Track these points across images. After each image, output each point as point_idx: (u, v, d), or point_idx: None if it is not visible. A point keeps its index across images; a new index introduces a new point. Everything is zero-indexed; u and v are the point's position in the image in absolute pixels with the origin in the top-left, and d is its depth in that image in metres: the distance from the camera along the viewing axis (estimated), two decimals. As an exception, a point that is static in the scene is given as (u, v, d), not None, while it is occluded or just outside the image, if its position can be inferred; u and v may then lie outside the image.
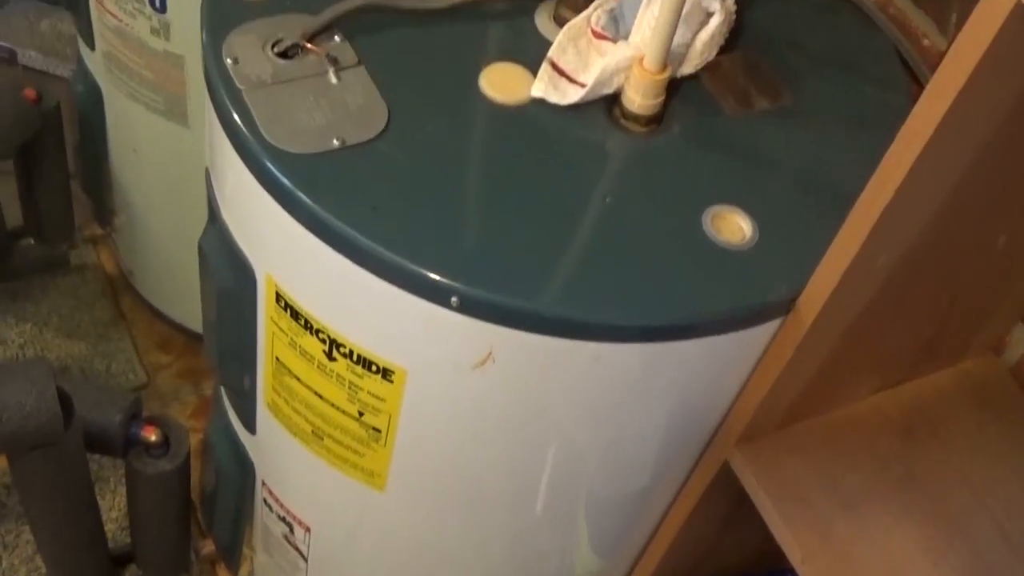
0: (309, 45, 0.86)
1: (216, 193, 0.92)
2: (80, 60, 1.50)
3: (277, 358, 0.90)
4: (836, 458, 0.90)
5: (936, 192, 0.72)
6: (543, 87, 0.87)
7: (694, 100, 0.90)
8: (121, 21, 1.29)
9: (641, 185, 0.84)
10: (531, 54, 0.89)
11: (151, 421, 1.11)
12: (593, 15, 0.90)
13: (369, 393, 0.84)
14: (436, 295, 0.74)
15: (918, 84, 0.99)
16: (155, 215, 1.55)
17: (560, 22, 0.92)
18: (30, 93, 1.47)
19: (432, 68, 0.88)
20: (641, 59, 0.84)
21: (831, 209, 0.79)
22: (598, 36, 0.88)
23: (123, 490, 1.40)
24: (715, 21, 0.89)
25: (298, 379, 0.89)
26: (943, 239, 0.78)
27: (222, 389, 1.12)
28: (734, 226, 0.81)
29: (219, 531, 1.26)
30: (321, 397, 0.88)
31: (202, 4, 0.90)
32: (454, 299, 0.73)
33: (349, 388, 0.85)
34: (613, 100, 0.87)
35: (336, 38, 0.87)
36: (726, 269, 0.78)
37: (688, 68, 0.91)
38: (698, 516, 0.98)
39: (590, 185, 0.83)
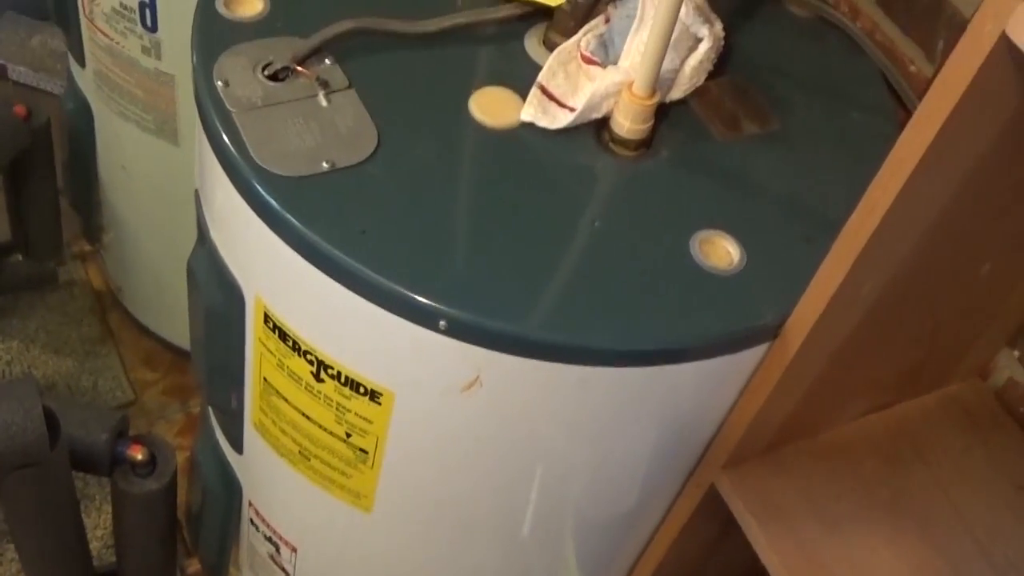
0: (299, 68, 0.86)
1: (205, 213, 0.93)
2: (70, 77, 1.50)
3: (265, 378, 0.90)
4: (822, 481, 0.90)
5: (922, 219, 0.72)
6: (532, 111, 0.87)
7: (683, 125, 0.91)
8: (112, 40, 1.30)
9: (629, 209, 0.84)
10: (521, 78, 0.89)
11: (138, 440, 1.11)
12: (583, 40, 0.90)
13: (356, 415, 0.84)
14: (424, 318, 0.74)
15: (905, 110, 1.00)
16: (144, 232, 1.55)
17: (550, 46, 0.92)
18: (20, 109, 1.46)
19: (422, 91, 0.89)
20: (630, 84, 0.85)
21: (818, 234, 0.80)
22: (587, 61, 0.89)
23: (109, 508, 1.39)
24: (704, 47, 0.90)
25: (285, 400, 0.89)
26: (929, 266, 0.79)
27: (209, 408, 1.12)
28: (722, 251, 0.82)
29: (205, 550, 1.26)
30: (308, 418, 0.88)
31: (193, 25, 0.90)
32: (442, 322, 0.74)
33: (336, 409, 0.85)
34: (602, 124, 0.88)
35: (326, 61, 0.88)
36: (713, 294, 0.79)
37: (677, 93, 0.91)
38: (685, 538, 0.99)
39: (579, 209, 0.83)
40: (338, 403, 0.84)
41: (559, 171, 0.85)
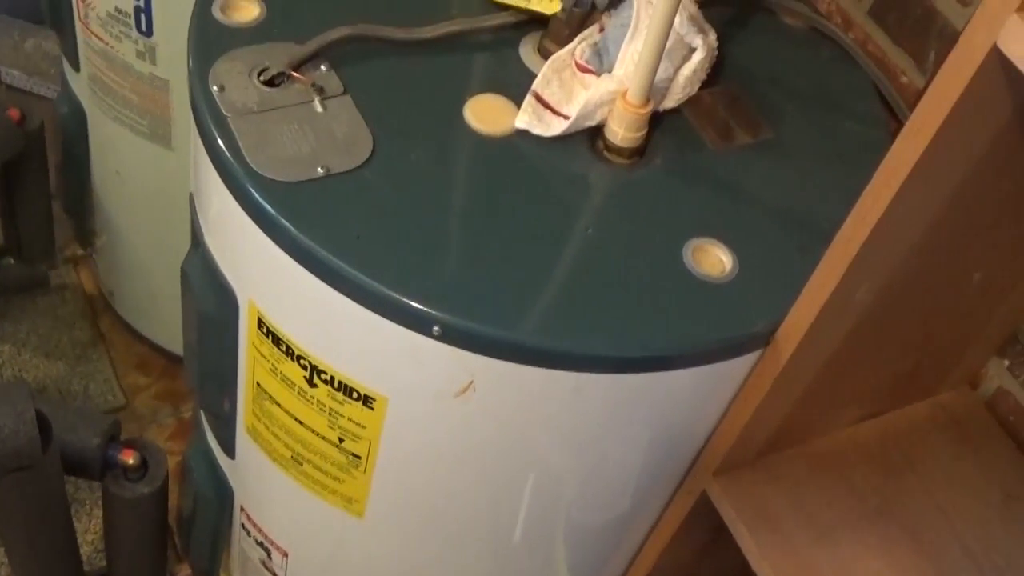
0: (295, 74, 0.87)
1: (200, 218, 0.93)
2: (65, 81, 1.50)
3: (258, 383, 0.91)
4: (813, 489, 0.91)
5: (914, 229, 0.73)
6: (527, 119, 0.88)
7: (676, 134, 0.91)
8: (107, 44, 1.30)
9: (623, 217, 0.85)
10: (515, 86, 0.90)
11: (129, 444, 1.11)
12: (577, 48, 0.91)
13: (350, 420, 0.84)
14: (418, 324, 0.74)
15: (896, 120, 1.01)
16: (137, 237, 1.55)
17: (545, 55, 0.93)
18: (14, 113, 1.46)
19: (417, 98, 0.89)
20: (624, 93, 0.85)
21: (810, 243, 0.81)
22: (582, 69, 0.89)
23: (99, 512, 1.39)
24: (697, 56, 0.91)
25: (278, 404, 0.89)
26: (920, 275, 0.79)
27: (201, 412, 1.12)
28: (714, 259, 0.82)
29: (196, 555, 1.26)
30: (301, 423, 0.88)
31: (189, 30, 0.91)
32: (436, 328, 0.74)
33: (330, 415, 0.85)
34: (596, 132, 0.88)
35: (322, 67, 0.88)
36: (706, 301, 0.79)
37: (670, 102, 0.92)
38: (676, 545, 0.99)
39: (572, 216, 0.83)
40: (331, 408, 0.85)
41: (553, 178, 0.86)
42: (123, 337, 1.70)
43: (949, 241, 0.78)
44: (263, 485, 1.02)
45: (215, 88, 0.84)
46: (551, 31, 0.94)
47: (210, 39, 0.89)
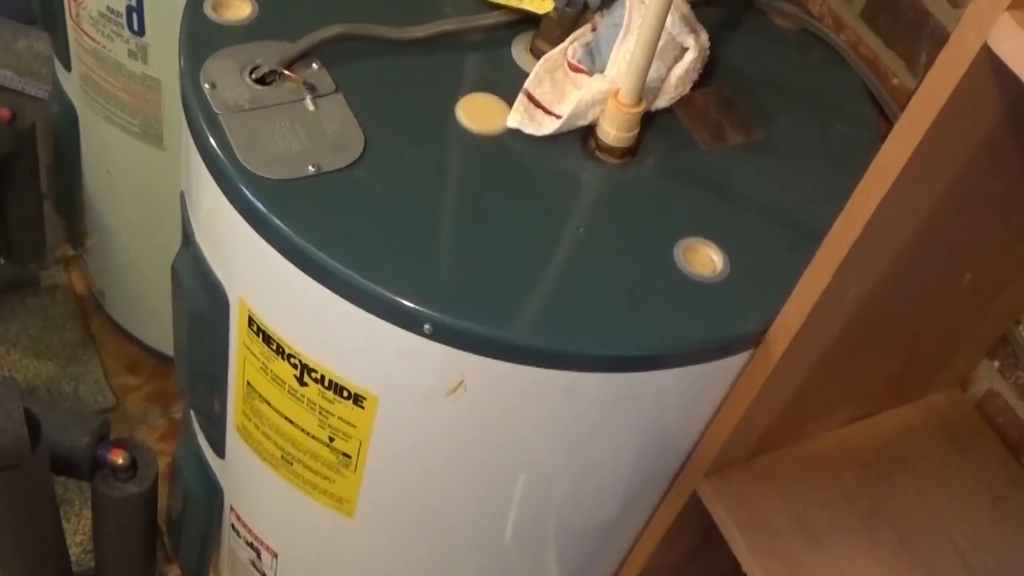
0: (287, 72, 0.86)
1: (191, 216, 0.92)
2: (56, 81, 1.49)
3: (248, 382, 0.90)
4: (804, 490, 0.91)
5: (904, 229, 0.73)
6: (519, 118, 0.88)
7: (668, 134, 0.91)
8: (99, 43, 1.29)
9: (614, 216, 0.85)
10: (507, 85, 0.90)
11: (119, 444, 1.10)
12: (569, 48, 0.91)
13: (340, 419, 0.84)
14: (409, 322, 0.74)
15: (887, 122, 1.01)
16: (128, 237, 1.55)
17: (537, 54, 0.93)
18: (4, 113, 1.46)
19: (409, 97, 0.89)
20: (616, 92, 0.85)
21: (801, 243, 0.81)
22: (574, 69, 0.89)
23: (88, 513, 1.39)
24: (689, 56, 0.91)
25: (268, 404, 0.89)
26: (910, 275, 0.79)
27: (192, 412, 1.11)
28: (705, 258, 0.82)
29: (185, 556, 1.25)
30: (291, 422, 0.88)
31: (181, 29, 0.90)
32: (427, 326, 0.74)
33: (320, 413, 0.85)
34: (588, 132, 0.88)
35: (314, 65, 0.88)
36: (697, 301, 0.79)
37: (662, 102, 0.92)
38: (667, 546, 0.99)
39: (564, 215, 0.83)
40: (321, 407, 0.84)
41: (545, 178, 0.86)
42: (114, 338, 1.70)
43: (940, 241, 0.78)
44: (253, 485, 1.02)
45: (206, 86, 0.84)
46: (543, 31, 0.94)
47: (202, 37, 0.89)
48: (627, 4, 0.88)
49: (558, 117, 0.87)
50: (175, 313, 0.99)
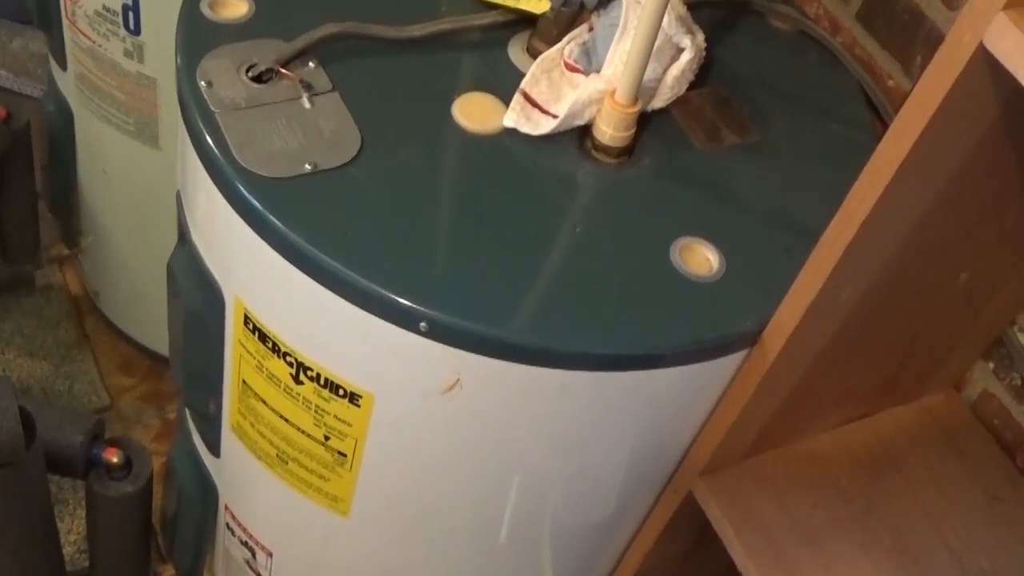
0: (283, 70, 0.86)
1: (187, 215, 0.92)
2: (51, 80, 1.49)
3: (244, 381, 0.90)
4: (799, 490, 0.91)
5: (899, 229, 0.73)
6: (515, 117, 0.88)
7: (664, 134, 0.91)
8: (94, 42, 1.29)
9: (611, 216, 0.85)
10: (504, 85, 0.90)
11: (113, 443, 1.10)
12: (566, 48, 0.91)
13: (336, 417, 0.84)
14: (405, 320, 0.74)
15: (883, 123, 1.01)
16: (123, 236, 1.55)
17: (533, 54, 0.93)
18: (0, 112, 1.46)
19: (406, 96, 0.89)
20: (613, 92, 0.85)
21: (797, 243, 0.81)
22: (571, 69, 0.89)
23: (83, 513, 1.38)
24: (686, 57, 0.91)
25: (264, 402, 0.89)
26: (906, 275, 0.80)
27: (187, 411, 1.11)
28: (701, 258, 0.82)
29: (180, 556, 1.25)
30: (287, 421, 0.88)
31: (178, 27, 0.90)
32: (423, 324, 0.74)
33: (316, 412, 0.85)
34: (585, 132, 0.89)
35: (310, 64, 0.88)
36: (692, 300, 0.79)
37: (659, 102, 0.92)
38: (662, 546, 0.99)
39: (560, 215, 0.83)
40: (317, 405, 0.84)
41: (541, 177, 0.86)
42: (108, 337, 1.69)
43: (935, 242, 0.78)
44: (248, 484, 1.01)
45: (203, 84, 0.84)
46: (540, 30, 0.94)
47: (198, 35, 0.89)
48: (623, 4, 0.88)
49: (554, 117, 0.88)
50: (170, 311, 0.99)
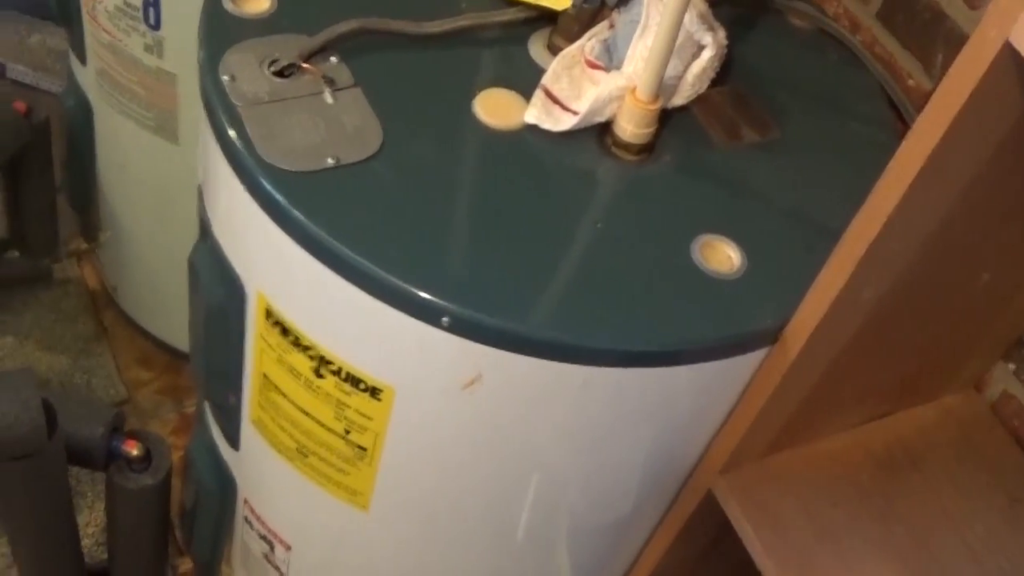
0: (305, 65, 0.87)
1: (208, 209, 0.93)
2: (71, 75, 1.50)
3: (264, 374, 0.90)
4: (819, 489, 0.91)
5: (921, 228, 0.73)
6: (536, 113, 0.88)
7: (684, 131, 0.91)
8: (114, 37, 1.30)
9: (631, 212, 0.85)
10: (524, 81, 0.90)
11: (133, 435, 1.11)
12: (587, 44, 0.91)
13: (356, 411, 0.84)
14: (427, 315, 0.74)
15: (903, 122, 1.01)
16: (141, 231, 1.55)
17: (554, 50, 0.93)
18: (20, 106, 1.47)
19: (427, 91, 0.89)
20: (634, 89, 0.85)
21: (818, 242, 0.81)
22: (592, 65, 0.90)
23: (101, 505, 1.39)
24: (707, 54, 0.91)
25: (285, 396, 0.89)
26: (928, 274, 0.79)
27: (206, 405, 1.11)
28: (722, 255, 0.82)
29: (198, 549, 1.25)
30: (307, 414, 0.88)
31: (200, 22, 0.91)
32: (445, 319, 0.74)
33: (336, 406, 0.85)
34: (605, 128, 0.89)
35: (332, 59, 0.88)
36: (714, 297, 0.79)
37: (679, 99, 0.92)
38: (680, 544, 0.99)
39: (581, 211, 0.83)
40: (338, 399, 0.85)
41: (562, 173, 0.86)
42: (126, 332, 1.70)
43: (957, 241, 0.78)
44: (267, 477, 1.02)
45: (226, 78, 0.85)
46: (561, 27, 0.94)
47: (221, 30, 0.89)
48: (644, 1, 0.88)
49: (575, 113, 0.88)
50: (192, 305, 0.99)
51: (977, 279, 0.85)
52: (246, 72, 0.86)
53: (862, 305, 0.77)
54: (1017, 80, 0.62)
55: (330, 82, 0.86)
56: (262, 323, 0.87)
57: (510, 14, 0.95)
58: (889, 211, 0.69)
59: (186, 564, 1.38)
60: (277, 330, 0.85)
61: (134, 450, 1.09)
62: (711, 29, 0.91)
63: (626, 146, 0.87)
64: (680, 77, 0.91)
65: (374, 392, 0.82)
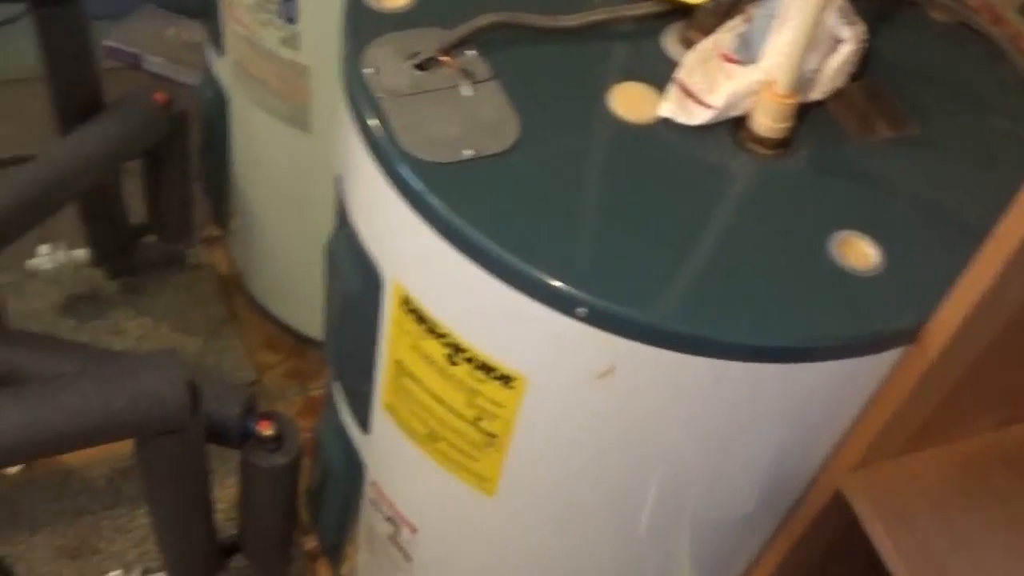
0: (445, 58, 0.88)
1: (347, 199, 0.95)
2: (208, 67, 1.55)
3: (398, 361, 0.93)
4: (953, 492, 0.89)
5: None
6: (672, 107, 0.88)
7: (820, 126, 0.90)
8: (251, 31, 1.34)
9: (767, 207, 0.84)
10: (658, 74, 0.90)
11: (267, 416, 1.15)
12: (722, 38, 0.91)
13: (488, 399, 0.86)
14: (563, 305, 0.75)
15: (1050, 118, 0.98)
16: (271, 218, 1.60)
17: (688, 44, 0.93)
18: (161, 97, 1.53)
19: (562, 84, 0.90)
20: (771, 83, 0.85)
21: (958, 239, 0.79)
22: (728, 59, 0.89)
23: (230, 482, 1.44)
24: (846, 48, 0.90)
25: (418, 382, 0.91)
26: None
27: (336, 387, 1.15)
28: (860, 252, 0.81)
29: (324, 529, 1.29)
30: (439, 400, 0.90)
31: (343, 17, 0.93)
32: (582, 309, 0.75)
33: (468, 393, 0.87)
34: (738, 123, 0.88)
35: (470, 52, 0.90)
36: (851, 294, 0.78)
37: (816, 94, 0.91)
38: (806, 542, 0.98)
39: (715, 204, 0.83)
40: (470, 387, 0.86)
41: (696, 167, 0.86)
42: (254, 316, 1.76)
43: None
44: (396, 460, 1.04)
45: (369, 71, 0.87)
46: (696, 20, 0.94)
47: (363, 24, 0.92)
48: (783, -6, 0.88)
49: (710, 107, 0.87)
50: (328, 292, 1.02)
51: None
52: (388, 65, 0.88)
53: (1007, 305, 0.75)
54: None
55: (468, 75, 0.88)
56: (398, 310, 0.89)
57: (644, 8, 0.96)
58: (1040, 209, 0.67)
59: (311, 542, 1.42)
60: (412, 317, 0.87)
61: (268, 430, 1.13)
62: (850, 23, 0.90)
63: (762, 140, 0.87)
64: (817, 71, 0.90)
65: (506, 380, 0.83)
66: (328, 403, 1.20)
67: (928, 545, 0.85)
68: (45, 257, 1.69)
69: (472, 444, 0.91)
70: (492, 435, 0.89)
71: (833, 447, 0.91)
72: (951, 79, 0.99)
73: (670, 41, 0.95)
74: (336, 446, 1.16)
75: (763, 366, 0.79)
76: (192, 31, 2.17)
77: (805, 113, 0.90)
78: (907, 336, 0.79)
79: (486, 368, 0.84)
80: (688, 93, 0.89)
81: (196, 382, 1.01)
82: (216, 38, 1.46)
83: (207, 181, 1.70)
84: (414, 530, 1.09)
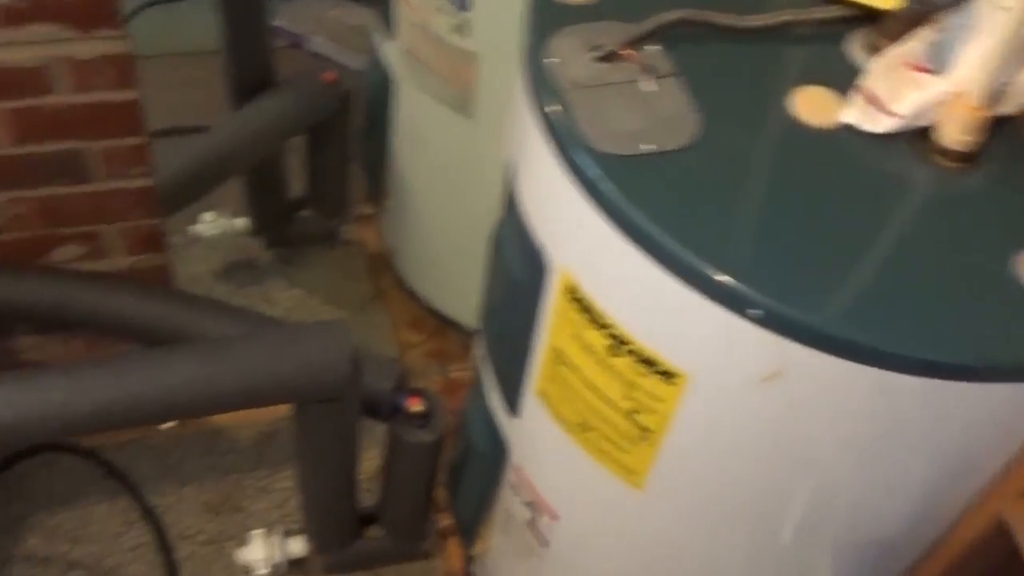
0: (628, 52, 0.89)
1: (517, 187, 0.97)
2: (376, 50, 1.59)
3: (557, 348, 0.94)
4: None
5: None
6: (856, 114, 0.86)
7: (1009, 140, 0.87)
8: (423, 18, 1.37)
9: (948, 220, 0.82)
10: (840, 79, 0.89)
11: (417, 392, 1.17)
12: (911, 47, 0.88)
13: (646, 393, 0.86)
14: (737, 304, 0.75)
15: None
16: (425, 201, 1.63)
17: (873, 51, 0.91)
18: (330, 76, 1.57)
19: (742, 84, 0.90)
20: (962, 95, 0.82)
21: None
22: (917, 68, 0.87)
23: (371, 454, 1.48)
24: (1044, 62, 0.86)
25: (575, 370, 0.92)
26: None
27: (486, 369, 1.16)
28: (1047, 274, 0.78)
29: (461, 509, 1.31)
30: (595, 391, 0.91)
31: (527, 7, 0.95)
32: (757, 311, 0.74)
33: (626, 385, 0.87)
34: (921, 133, 0.86)
35: (653, 48, 0.90)
36: (1033, 316, 0.76)
37: (1007, 108, 0.88)
38: (959, 571, 0.95)
39: (895, 214, 0.82)
40: (629, 379, 0.87)
41: (876, 175, 0.84)
42: (400, 295, 1.80)
43: None
44: (543, 447, 1.05)
45: (552, 61, 0.88)
46: (884, 27, 0.92)
47: (546, 16, 0.93)
48: (978, 5, 0.85)
49: (895, 115, 0.86)
50: (489, 276, 1.04)
51: None
52: (571, 56, 0.89)
53: None
54: None
55: (650, 70, 0.88)
56: (562, 299, 0.90)
57: (831, 11, 0.94)
58: None
59: (445, 520, 1.45)
60: (576, 307, 0.88)
61: (417, 406, 1.16)
62: (1048, 36, 0.87)
63: (947, 153, 0.85)
64: (1009, 84, 0.87)
65: (668, 376, 0.84)
66: (475, 385, 1.22)
67: (1095, 583, 0.82)
68: (208, 224, 1.77)
69: (624, 436, 0.91)
70: (646, 429, 0.89)
71: (997, 471, 0.88)
72: None
73: (855, 46, 0.94)
74: (481, 428, 1.17)
75: (934, 382, 0.77)
76: (354, 14, 2.23)
77: (993, 127, 0.87)
78: (1093, 364, 0.76)
79: (648, 362, 0.84)
80: (873, 100, 0.87)
81: (358, 355, 1.04)
82: (386, 23, 1.50)
83: (366, 160, 1.74)
84: (555, 517, 1.10)
